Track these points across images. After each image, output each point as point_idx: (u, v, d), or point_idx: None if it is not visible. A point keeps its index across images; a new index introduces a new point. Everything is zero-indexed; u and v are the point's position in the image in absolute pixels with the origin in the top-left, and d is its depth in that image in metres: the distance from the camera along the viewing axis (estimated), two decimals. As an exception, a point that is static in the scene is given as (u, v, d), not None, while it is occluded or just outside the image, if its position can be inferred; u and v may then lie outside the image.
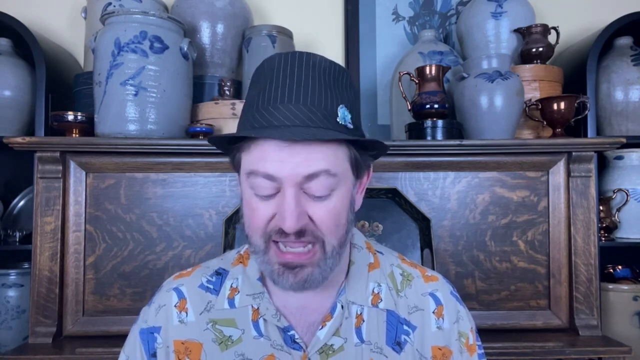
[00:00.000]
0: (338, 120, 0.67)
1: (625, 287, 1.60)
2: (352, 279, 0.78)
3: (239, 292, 0.78)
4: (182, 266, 1.32)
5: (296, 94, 0.67)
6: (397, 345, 0.76)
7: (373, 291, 0.78)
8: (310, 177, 0.66)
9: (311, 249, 0.68)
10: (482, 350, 0.82)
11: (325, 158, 0.66)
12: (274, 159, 0.65)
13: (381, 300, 0.78)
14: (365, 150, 0.73)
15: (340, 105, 0.69)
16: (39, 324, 1.27)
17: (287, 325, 0.74)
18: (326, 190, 0.67)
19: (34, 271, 1.28)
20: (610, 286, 1.61)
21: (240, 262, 0.81)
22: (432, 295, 0.81)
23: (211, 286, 0.79)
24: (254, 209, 0.68)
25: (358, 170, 0.73)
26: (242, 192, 0.72)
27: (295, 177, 0.65)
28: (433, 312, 0.79)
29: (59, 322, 1.28)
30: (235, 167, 0.74)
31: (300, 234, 0.66)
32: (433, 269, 1.29)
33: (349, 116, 0.69)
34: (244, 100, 0.74)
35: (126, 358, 0.79)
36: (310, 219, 0.67)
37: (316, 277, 0.68)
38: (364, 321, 0.76)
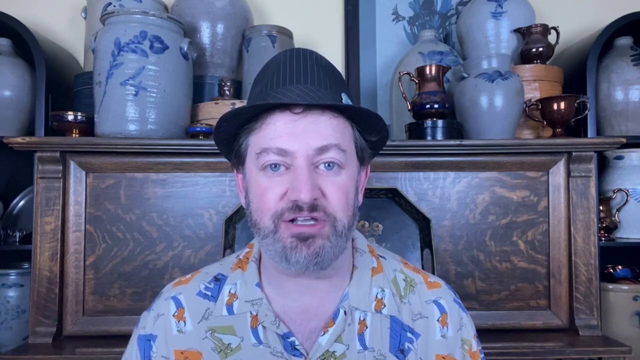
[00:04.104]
0: (343, 102, 0.71)
1: (625, 287, 1.60)
2: (355, 284, 0.77)
3: (237, 298, 0.77)
4: (182, 266, 1.32)
5: (304, 77, 0.70)
6: (401, 352, 0.75)
7: (376, 296, 0.77)
8: (322, 150, 0.67)
9: (322, 224, 0.68)
10: (483, 355, 0.82)
11: (334, 133, 0.69)
12: (286, 133, 0.67)
13: (384, 305, 0.77)
14: (367, 134, 0.75)
15: (343, 93, 0.73)
16: (39, 324, 1.27)
17: (287, 331, 0.73)
18: (336, 165, 0.69)
19: (34, 271, 1.28)
20: (610, 286, 1.60)
21: (239, 266, 0.80)
22: (436, 302, 0.80)
23: (209, 293, 0.78)
24: (264, 189, 0.69)
25: (361, 156, 0.75)
26: (248, 179, 0.73)
27: (307, 149, 0.67)
28: (437, 320, 0.78)
29: (59, 322, 1.28)
30: (240, 155, 0.74)
31: (312, 208, 0.66)
32: (433, 269, 1.29)
33: (351, 104, 0.72)
34: (245, 100, 0.75)
35: None
36: (322, 194, 0.68)
37: (327, 252, 0.67)
38: (367, 327, 0.75)
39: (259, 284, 0.77)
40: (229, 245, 1.29)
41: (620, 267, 1.74)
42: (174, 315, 0.77)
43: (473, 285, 1.35)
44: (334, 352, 0.73)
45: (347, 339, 0.74)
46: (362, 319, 0.75)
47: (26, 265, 1.64)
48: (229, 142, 0.76)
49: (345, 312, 0.74)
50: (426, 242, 1.31)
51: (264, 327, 0.74)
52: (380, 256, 0.83)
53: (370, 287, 0.77)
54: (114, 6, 1.54)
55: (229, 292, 0.78)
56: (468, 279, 1.35)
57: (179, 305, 0.78)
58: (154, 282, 1.31)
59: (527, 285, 1.36)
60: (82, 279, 1.30)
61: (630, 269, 1.73)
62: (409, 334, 0.76)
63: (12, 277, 1.60)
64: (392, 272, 0.81)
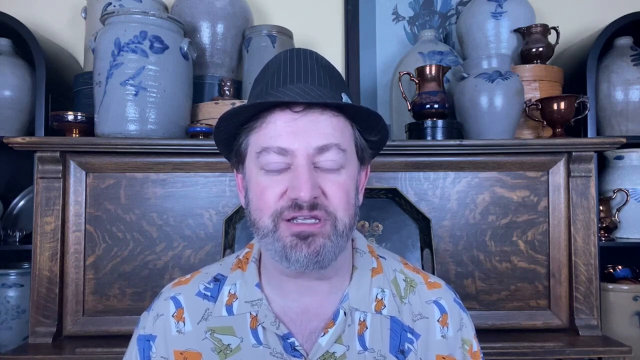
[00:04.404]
0: (343, 101, 0.71)
1: (625, 287, 1.60)
2: (355, 284, 0.76)
3: (237, 298, 0.76)
4: (182, 266, 1.32)
5: (304, 76, 0.70)
6: (401, 353, 0.75)
7: (376, 297, 0.77)
8: (322, 149, 0.67)
9: (323, 223, 0.67)
10: (483, 355, 0.82)
11: (335, 133, 0.69)
12: (287, 131, 0.67)
13: (385, 306, 0.76)
14: (367, 134, 0.75)
15: (343, 93, 0.73)
16: (39, 324, 1.27)
17: (287, 332, 0.73)
18: (337, 164, 0.69)
19: (34, 271, 1.28)
20: (610, 286, 1.60)
21: (239, 267, 0.80)
22: (437, 303, 0.79)
23: (209, 293, 0.78)
24: (264, 188, 0.68)
25: (361, 156, 0.75)
26: (248, 178, 0.72)
27: (307, 148, 0.67)
28: (438, 321, 0.78)
29: (59, 322, 1.28)
30: (240, 154, 0.74)
31: (313, 207, 0.66)
32: (433, 269, 1.29)
33: (351, 103, 0.72)
34: (245, 101, 0.75)
35: None
36: (323, 193, 0.67)
37: (328, 251, 0.67)
38: (367, 328, 0.75)
39: (259, 285, 0.76)
40: (229, 245, 1.29)
41: (620, 267, 1.74)
42: (173, 316, 0.77)
43: (473, 285, 1.35)
44: (333, 353, 0.73)
45: (347, 339, 0.74)
46: (362, 319, 0.75)
47: (26, 265, 1.64)
48: (229, 141, 0.76)
49: (345, 313, 0.74)
50: (426, 242, 1.31)
51: (263, 327, 0.74)
52: (380, 256, 0.83)
53: (370, 288, 0.77)
54: (114, 6, 1.54)
55: (229, 292, 0.77)
56: (468, 279, 1.35)
57: (178, 305, 0.78)
58: (154, 282, 1.31)
59: (527, 285, 1.36)
60: (82, 279, 1.30)
61: (630, 269, 1.73)
62: (409, 335, 0.76)
63: (12, 277, 1.59)
64: (392, 272, 0.81)
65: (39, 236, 1.29)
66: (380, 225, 1.34)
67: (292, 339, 0.73)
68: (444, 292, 0.81)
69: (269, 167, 0.68)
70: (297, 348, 0.72)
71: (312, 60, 0.73)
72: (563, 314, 1.35)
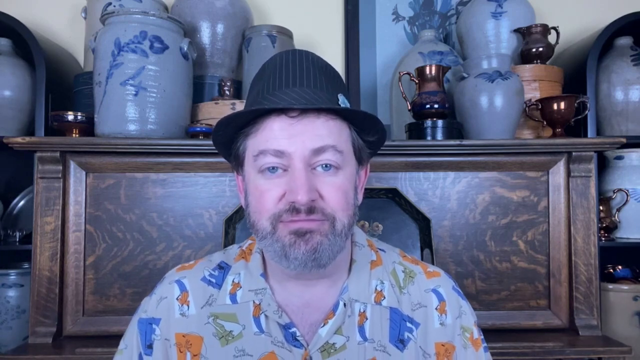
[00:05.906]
0: (340, 104, 0.71)
1: (625, 287, 1.60)
2: (355, 277, 0.78)
3: (241, 287, 0.78)
4: (182, 266, 1.31)
5: (300, 80, 0.70)
6: (401, 342, 0.76)
7: (376, 289, 0.78)
8: (318, 151, 0.68)
9: (321, 222, 0.68)
10: (485, 344, 0.83)
11: (331, 135, 0.69)
12: (283, 135, 0.68)
13: (384, 297, 0.78)
14: (364, 134, 0.75)
15: (340, 94, 0.73)
16: (39, 324, 1.27)
17: (289, 322, 0.74)
18: (333, 166, 0.69)
19: (34, 271, 1.28)
20: (610, 286, 1.60)
21: (243, 257, 0.81)
22: (435, 291, 0.81)
23: (213, 280, 0.80)
24: (262, 191, 0.69)
25: (359, 156, 0.75)
26: (247, 181, 0.73)
27: (304, 150, 0.67)
28: (436, 309, 0.79)
29: (59, 322, 1.28)
30: (238, 157, 0.74)
31: (310, 210, 0.67)
32: (433, 268, 1.29)
33: (349, 105, 0.73)
34: (245, 101, 0.75)
35: (125, 347, 0.79)
36: (320, 196, 0.68)
37: (325, 248, 0.68)
38: (367, 319, 0.76)
39: (264, 274, 0.77)
40: (229, 245, 1.29)
41: (620, 267, 1.74)
42: (177, 299, 0.78)
43: (473, 285, 1.35)
44: (333, 344, 0.74)
45: (347, 330, 0.75)
46: (362, 310, 0.76)
47: (26, 265, 1.64)
48: (228, 145, 0.76)
49: (344, 304, 0.75)
50: (426, 242, 1.31)
51: (266, 316, 0.75)
52: (380, 249, 0.84)
53: (369, 280, 0.78)
54: (114, 6, 1.54)
55: (233, 281, 0.78)
56: (468, 279, 1.35)
57: (183, 289, 0.79)
58: (154, 282, 1.29)
59: (527, 285, 1.36)
60: (82, 279, 1.30)
61: (630, 269, 1.73)
62: (408, 324, 0.77)
63: (12, 277, 1.60)
64: (391, 264, 0.82)
65: (39, 236, 1.29)
66: (380, 225, 1.34)
67: (293, 329, 0.74)
68: (442, 280, 0.82)
69: (266, 171, 0.69)
70: (298, 338, 0.73)
71: (308, 62, 0.73)
72: (563, 314, 1.35)
